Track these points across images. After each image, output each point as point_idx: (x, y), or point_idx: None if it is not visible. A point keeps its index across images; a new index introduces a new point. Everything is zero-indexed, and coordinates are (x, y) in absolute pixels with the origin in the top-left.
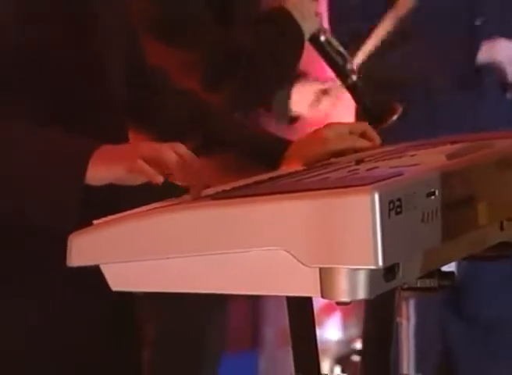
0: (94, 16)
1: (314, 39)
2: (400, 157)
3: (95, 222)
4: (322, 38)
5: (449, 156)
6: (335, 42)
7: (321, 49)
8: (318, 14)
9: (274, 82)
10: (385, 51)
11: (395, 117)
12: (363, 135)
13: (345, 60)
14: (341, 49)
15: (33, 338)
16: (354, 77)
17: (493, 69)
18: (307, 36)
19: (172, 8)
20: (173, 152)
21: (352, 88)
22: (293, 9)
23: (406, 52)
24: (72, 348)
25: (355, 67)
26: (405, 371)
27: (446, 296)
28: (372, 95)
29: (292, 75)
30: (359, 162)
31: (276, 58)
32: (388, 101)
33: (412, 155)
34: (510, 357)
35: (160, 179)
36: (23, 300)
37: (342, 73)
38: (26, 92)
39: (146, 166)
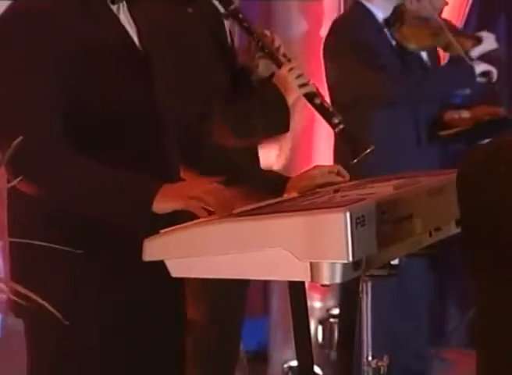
0: (159, 80)
1: (308, 99)
2: (363, 188)
3: (161, 231)
4: (317, 101)
5: (396, 187)
6: (326, 103)
7: (314, 105)
8: (308, 83)
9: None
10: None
11: (365, 152)
12: (338, 173)
13: (333, 114)
14: (328, 106)
15: (129, 297)
16: (341, 126)
17: None
18: (290, 102)
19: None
20: (213, 194)
21: (339, 133)
22: (279, 84)
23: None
24: (148, 303)
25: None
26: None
27: None
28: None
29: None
30: (336, 191)
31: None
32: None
33: (370, 187)
34: None
35: (204, 213)
36: (116, 277)
37: (331, 123)
38: (110, 142)
39: (196, 204)
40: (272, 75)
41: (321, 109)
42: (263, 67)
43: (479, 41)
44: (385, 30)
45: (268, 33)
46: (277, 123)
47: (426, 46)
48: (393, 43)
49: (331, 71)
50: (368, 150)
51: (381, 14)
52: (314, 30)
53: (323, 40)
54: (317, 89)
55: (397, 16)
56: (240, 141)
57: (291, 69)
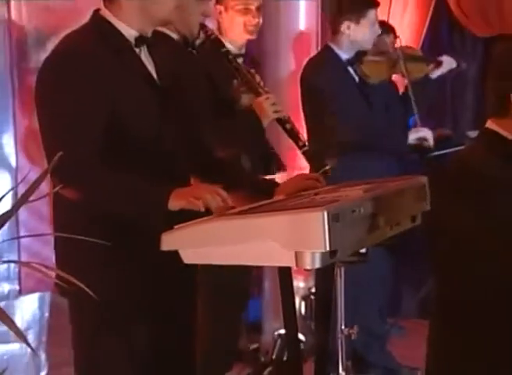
0: (175, 110)
1: (281, 124)
2: (337, 191)
3: (175, 227)
4: (288, 126)
5: (365, 191)
6: (295, 128)
7: (286, 129)
8: (280, 110)
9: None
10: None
11: (323, 169)
12: (316, 180)
13: (299, 138)
14: (296, 130)
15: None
16: (305, 148)
17: None
18: (265, 123)
19: None
20: (213, 195)
21: (305, 154)
22: (256, 109)
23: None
24: (164, 282)
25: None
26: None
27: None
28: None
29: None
30: (315, 194)
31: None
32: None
33: (343, 190)
34: None
35: (202, 209)
36: (141, 262)
37: (298, 144)
38: (134, 157)
39: (197, 203)
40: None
41: (290, 133)
42: (245, 97)
43: (439, 64)
44: (349, 68)
45: (251, 70)
46: (255, 141)
47: (385, 78)
48: (356, 79)
49: (304, 105)
50: (325, 168)
51: (346, 55)
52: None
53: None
54: (288, 116)
55: (358, 55)
56: (226, 150)
57: (267, 99)
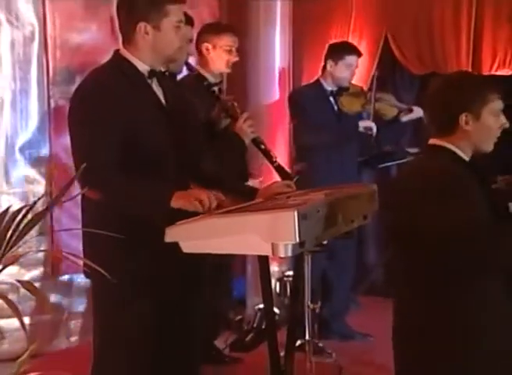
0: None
1: (255, 144)
2: (306, 195)
3: (177, 223)
4: (261, 146)
5: (326, 195)
6: (267, 147)
7: (260, 149)
8: (255, 131)
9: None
10: None
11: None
12: (288, 186)
13: (271, 155)
14: (269, 149)
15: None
16: (276, 163)
17: None
18: (247, 142)
19: None
20: (208, 198)
21: (276, 168)
22: (238, 132)
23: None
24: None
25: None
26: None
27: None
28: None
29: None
30: (288, 197)
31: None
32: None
33: (310, 194)
34: None
35: (200, 209)
36: (148, 250)
37: (270, 161)
38: (145, 166)
39: (195, 204)
40: (232, 125)
41: (264, 151)
42: (224, 122)
43: (410, 110)
44: (331, 98)
45: (230, 98)
46: (235, 156)
47: (356, 112)
48: (335, 108)
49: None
50: (295, 178)
51: (329, 88)
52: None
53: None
54: (261, 138)
55: (340, 90)
56: (214, 164)
57: (245, 121)
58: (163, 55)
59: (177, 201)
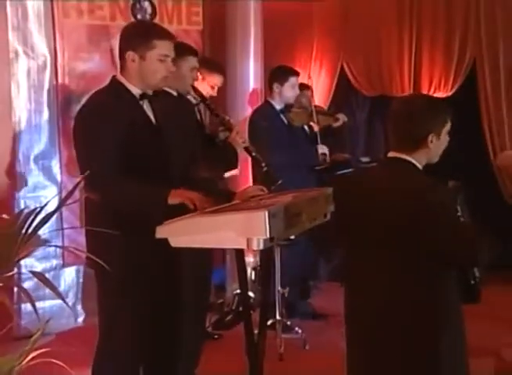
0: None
1: (247, 152)
2: (275, 198)
3: (165, 222)
4: (253, 153)
5: (293, 197)
6: (257, 155)
7: (251, 156)
8: (246, 141)
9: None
10: None
11: (277, 183)
12: (261, 190)
13: (260, 161)
14: (259, 156)
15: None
16: (265, 169)
17: None
18: (239, 150)
19: None
20: (196, 198)
21: (265, 173)
22: (231, 142)
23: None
24: (156, 258)
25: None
26: (277, 272)
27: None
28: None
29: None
30: (260, 199)
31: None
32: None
33: (279, 197)
34: None
35: (191, 206)
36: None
37: (260, 166)
38: (143, 172)
39: (188, 202)
40: (227, 137)
41: (254, 158)
42: (223, 134)
43: (337, 119)
44: (281, 115)
45: (224, 115)
46: (231, 162)
47: (304, 123)
48: (286, 122)
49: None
50: (278, 183)
51: (278, 106)
52: None
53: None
54: (252, 147)
55: (287, 107)
56: (211, 172)
57: (237, 133)
58: (147, 82)
59: (173, 197)
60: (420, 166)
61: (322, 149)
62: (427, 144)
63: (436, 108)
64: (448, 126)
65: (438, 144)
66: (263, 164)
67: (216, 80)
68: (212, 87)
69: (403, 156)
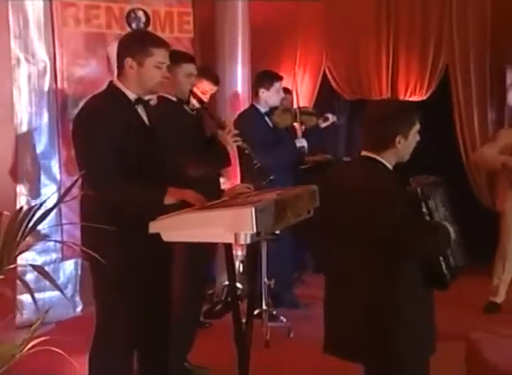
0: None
1: (240, 150)
2: (261, 195)
3: (158, 218)
4: (247, 151)
5: (278, 194)
6: (251, 152)
7: (243, 153)
8: (239, 140)
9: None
10: None
11: (269, 179)
12: (248, 188)
13: (253, 158)
14: (251, 153)
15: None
16: (258, 165)
17: None
18: (229, 148)
19: None
20: (192, 196)
21: (258, 169)
22: (222, 141)
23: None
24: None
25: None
26: (263, 264)
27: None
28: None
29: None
30: (248, 196)
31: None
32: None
33: (265, 194)
34: None
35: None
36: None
37: (252, 163)
38: (140, 172)
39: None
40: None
41: (247, 155)
42: (220, 134)
43: (327, 118)
44: (266, 118)
45: (220, 117)
46: (223, 161)
47: (288, 124)
48: (271, 124)
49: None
50: (270, 178)
51: (263, 110)
52: None
53: None
54: (244, 144)
55: (271, 110)
56: (205, 170)
57: (229, 132)
58: (144, 87)
59: (169, 196)
60: (389, 165)
61: (300, 142)
62: (395, 145)
63: (404, 111)
64: (416, 128)
65: (406, 145)
66: (255, 161)
67: (205, 86)
68: (203, 93)
69: (374, 156)
